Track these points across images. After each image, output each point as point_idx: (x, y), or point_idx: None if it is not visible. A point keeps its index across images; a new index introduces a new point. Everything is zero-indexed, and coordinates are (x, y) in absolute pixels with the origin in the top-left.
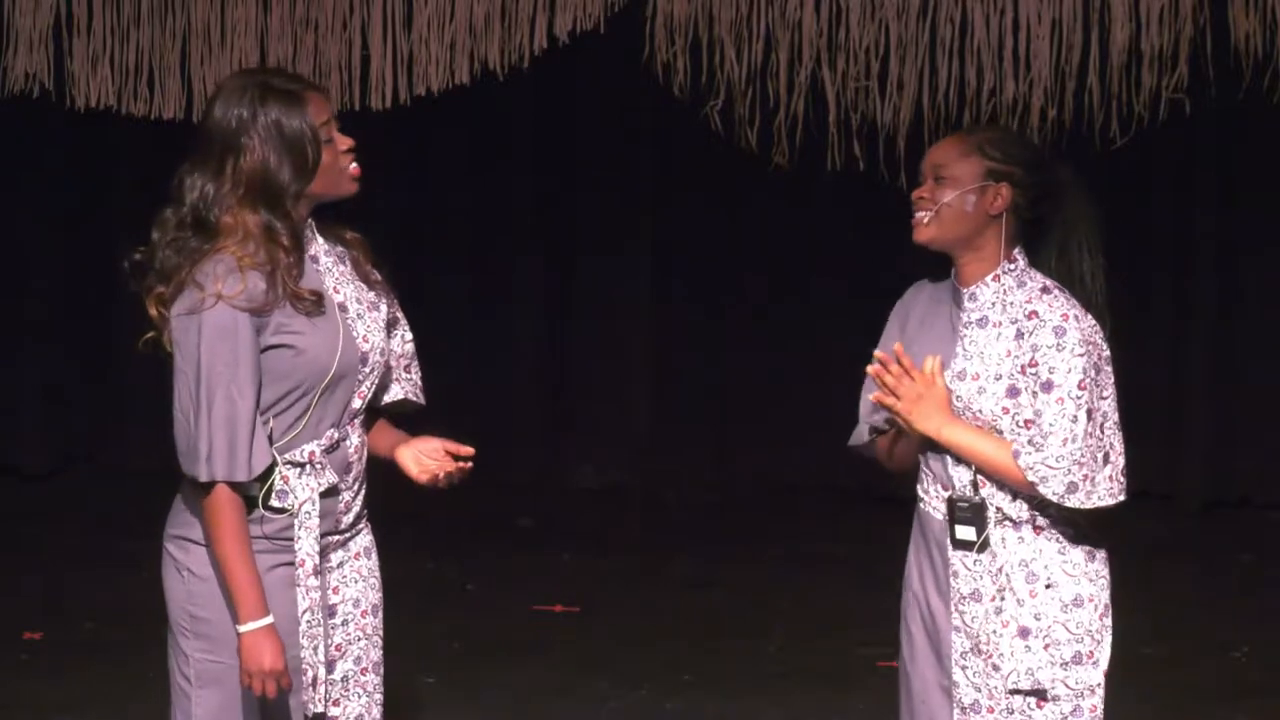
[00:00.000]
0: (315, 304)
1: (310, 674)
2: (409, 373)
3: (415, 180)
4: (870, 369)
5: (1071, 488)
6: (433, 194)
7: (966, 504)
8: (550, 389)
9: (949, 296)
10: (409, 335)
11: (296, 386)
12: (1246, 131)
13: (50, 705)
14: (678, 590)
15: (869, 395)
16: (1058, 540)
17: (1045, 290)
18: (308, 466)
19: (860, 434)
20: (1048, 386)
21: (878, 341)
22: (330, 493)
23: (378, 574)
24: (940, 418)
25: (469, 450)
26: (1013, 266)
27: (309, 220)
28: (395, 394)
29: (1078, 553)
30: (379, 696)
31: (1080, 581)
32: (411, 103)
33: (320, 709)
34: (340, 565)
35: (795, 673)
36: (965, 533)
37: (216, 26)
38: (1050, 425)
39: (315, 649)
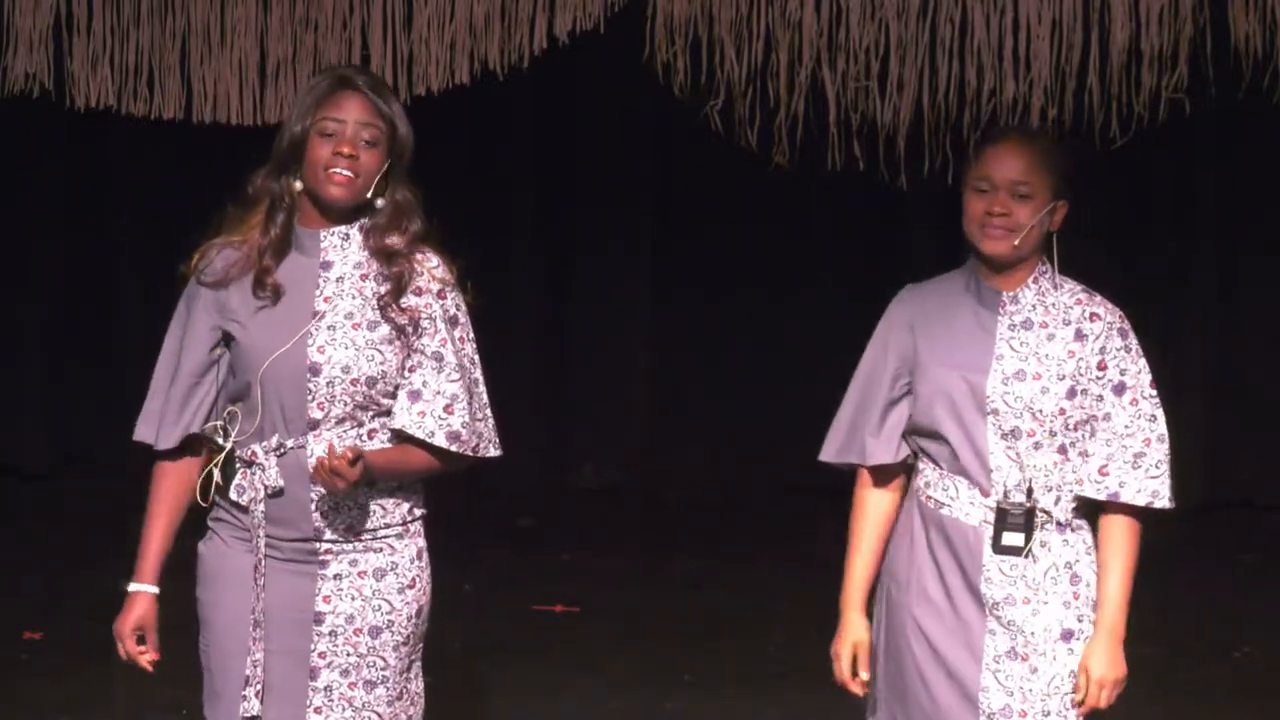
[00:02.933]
0: (273, 298)
1: (250, 666)
2: (447, 413)
3: (414, 180)
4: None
5: (1169, 488)
6: (432, 194)
7: (1019, 510)
8: (550, 389)
9: (966, 298)
10: (454, 377)
11: (240, 378)
12: (1246, 131)
13: (50, 705)
14: (678, 590)
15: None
16: (1084, 541)
17: (1087, 292)
18: (253, 466)
19: (853, 453)
20: (1120, 389)
21: (864, 346)
22: (279, 495)
23: (391, 599)
24: (1117, 647)
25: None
26: (1045, 269)
27: (337, 229)
28: (397, 422)
29: (1094, 553)
30: (369, 715)
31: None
32: (411, 103)
33: (253, 711)
34: (338, 577)
35: (795, 673)
36: (1012, 539)
37: (216, 26)
38: (1126, 427)
39: (256, 639)
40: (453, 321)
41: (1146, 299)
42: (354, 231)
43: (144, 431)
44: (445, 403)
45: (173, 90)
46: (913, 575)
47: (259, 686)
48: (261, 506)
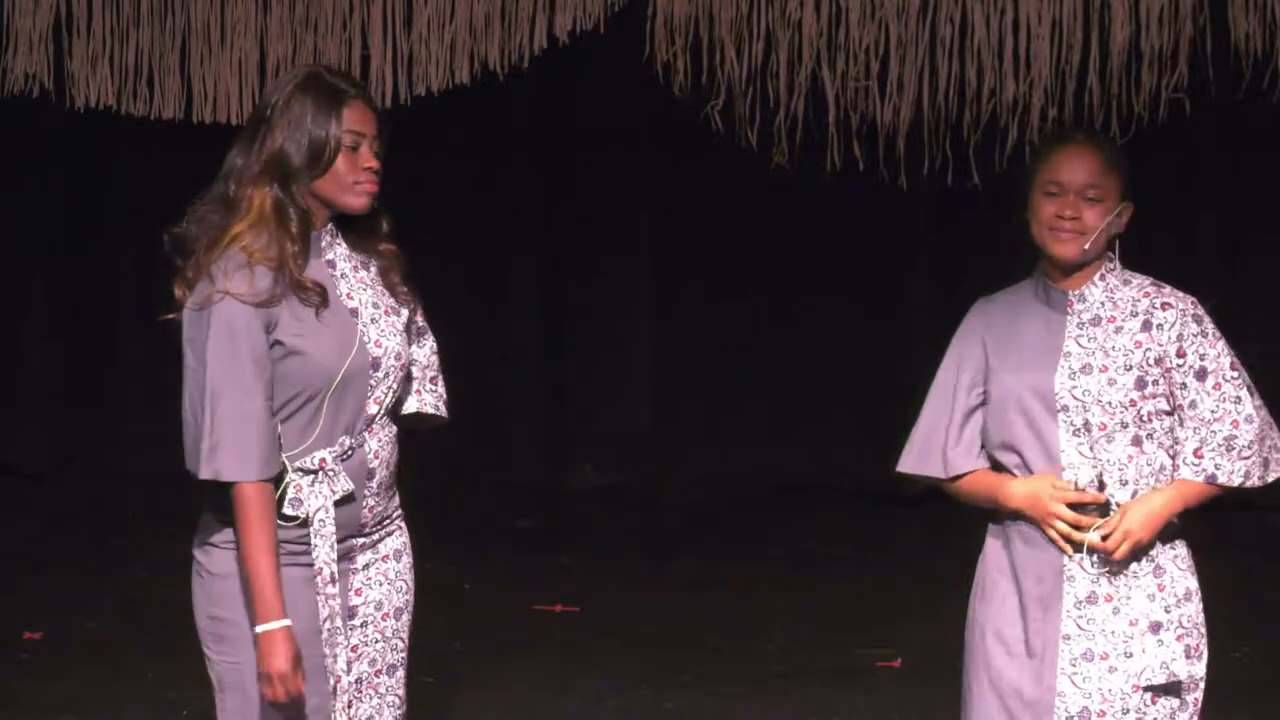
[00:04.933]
0: (320, 298)
1: (333, 681)
2: (434, 385)
3: (415, 180)
4: (1095, 543)
5: (1266, 464)
6: (432, 194)
7: (1095, 507)
8: (550, 389)
9: (1035, 304)
10: (435, 347)
11: (302, 390)
12: (1246, 131)
13: (50, 705)
14: (678, 590)
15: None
16: (1164, 534)
17: (1155, 284)
18: (319, 474)
19: (933, 465)
20: (1201, 375)
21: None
22: (345, 500)
23: (407, 577)
24: (1150, 514)
25: None
26: (1113, 265)
27: (330, 226)
28: (411, 406)
29: (1181, 546)
30: (392, 699)
31: (1188, 576)
32: (411, 103)
33: (343, 717)
34: (366, 567)
35: (795, 673)
36: (1095, 535)
37: (216, 26)
38: (1212, 412)
39: (337, 656)
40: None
41: None
42: (335, 229)
43: (226, 469)
44: (433, 374)
45: (173, 90)
46: (996, 583)
47: (346, 694)
48: (332, 514)
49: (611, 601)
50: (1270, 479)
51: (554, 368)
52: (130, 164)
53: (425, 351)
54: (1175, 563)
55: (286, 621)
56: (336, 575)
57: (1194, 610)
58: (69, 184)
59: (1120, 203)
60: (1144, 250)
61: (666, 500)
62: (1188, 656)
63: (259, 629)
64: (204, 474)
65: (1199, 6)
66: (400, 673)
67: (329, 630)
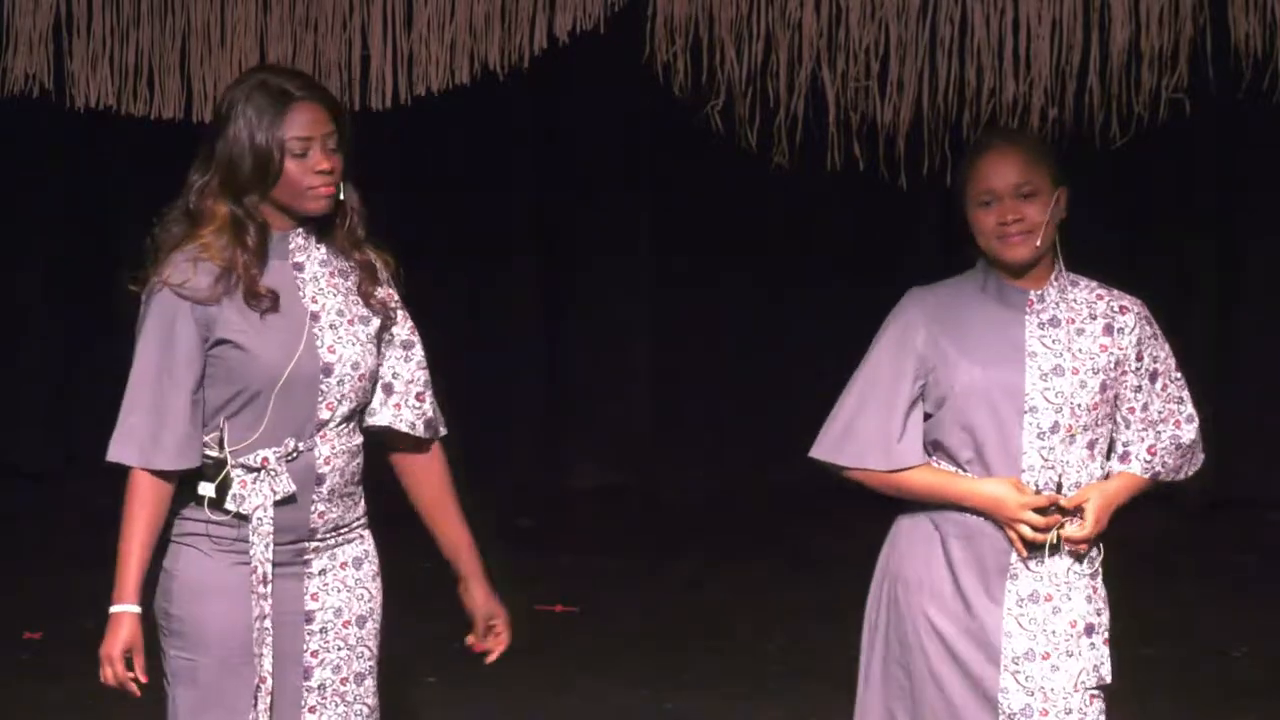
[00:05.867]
0: (271, 304)
1: (256, 681)
2: (419, 402)
3: (414, 180)
4: (1070, 534)
5: (1190, 458)
6: (432, 194)
7: (1051, 508)
8: (550, 389)
9: (985, 300)
10: (423, 361)
11: (245, 388)
12: (1246, 131)
13: (50, 705)
14: (678, 590)
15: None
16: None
17: (1104, 286)
18: (261, 472)
19: (870, 455)
20: (1154, 376)
21: (865, 345)
22: (287, 501)
23: (370, 586)
24: (1111, 500)
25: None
26: (1060, 266)
27: (299, 229)
28: (382, 419)
29: (1098, 549)
30: (360, 708)
31: (1104, 577)
32: (411, 103)
33: (265, 718)
34: (323, 573)
35: (795, 673)
36: (1065, 529)
37: (216, 26)
38: (1159, 413)
39: (262, 656)
40: (405, 305)
41: (1147, 300)
42: (310, 230)
43: (126, 452)
44: (418, 390)
45: (173, 90)
46: (926, 576)
47: (269, 697)
48: (270, 513)
49: (611, 601)
50: (1191, 472)
51: (554, 367)
52: (130, 164)
53: (410, 366)
54: (1100, 564)
55: (135, 609)
56: (270, 576)
57: (1110, 613)
58: (69, 184)
59: (1055, 190)
60: (1144, 250)
61: (666, 500)
62: (1109, 660)
63: (111, 610)
64: (110, 456)
65: (1199, 6)
66: (369, 681)
67: (258, 630)
